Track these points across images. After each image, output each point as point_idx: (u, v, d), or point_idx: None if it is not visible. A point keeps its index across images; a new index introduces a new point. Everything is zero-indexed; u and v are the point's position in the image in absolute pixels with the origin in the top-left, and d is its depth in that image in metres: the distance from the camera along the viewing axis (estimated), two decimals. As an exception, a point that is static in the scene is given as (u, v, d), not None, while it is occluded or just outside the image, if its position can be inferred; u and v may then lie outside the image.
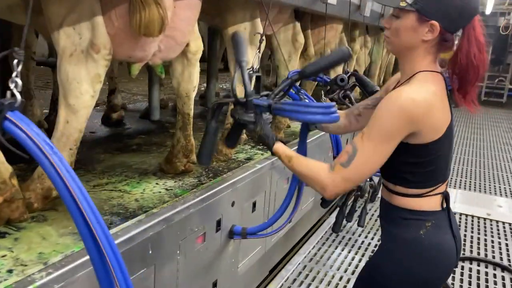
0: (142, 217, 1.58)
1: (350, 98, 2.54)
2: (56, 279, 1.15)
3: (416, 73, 1.36)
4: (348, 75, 2.53)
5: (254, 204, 2.22)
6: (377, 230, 4.29)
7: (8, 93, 0.83)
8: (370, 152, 1.31)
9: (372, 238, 4.10)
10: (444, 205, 1.47)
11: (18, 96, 0.84)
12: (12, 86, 0.82)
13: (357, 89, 2.75)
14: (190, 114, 2.10)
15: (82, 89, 1.60)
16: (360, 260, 3.68)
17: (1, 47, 2.85)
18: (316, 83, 3.43)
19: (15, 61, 0.82)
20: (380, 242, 1.60)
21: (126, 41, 1.62)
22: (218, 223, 1.89)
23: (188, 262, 1.71)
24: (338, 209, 3.46)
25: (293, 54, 2.95)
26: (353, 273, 3.48)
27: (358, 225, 4.15)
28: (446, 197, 1.48)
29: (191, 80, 2.00)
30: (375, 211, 4.77)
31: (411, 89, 1.32)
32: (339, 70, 3.43)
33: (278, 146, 1.46)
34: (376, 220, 4.51)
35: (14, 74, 0.82)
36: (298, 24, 2.99)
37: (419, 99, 1.29)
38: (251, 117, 1.45)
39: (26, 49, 2.66)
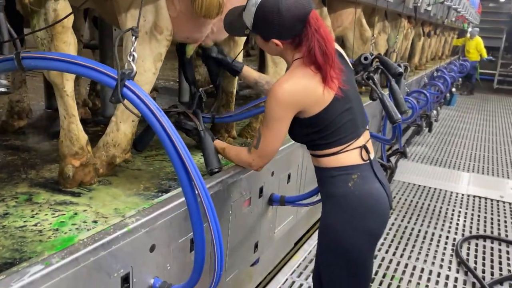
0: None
1: (373, 80, 2.69)
2: (142, 225, 1.35)
3: (292, 63, 1.64)
4: (372, 57, 2.68)
5: (289, 176, 2.41)
6: (393, 210, 4.47)
7: (126, 65, 1.01)
8: (269, 134, 1.64)
9: (389, 217, 4.28)
10: (366, 157, 1.68)
11: (134, 67, 1.01)
12: (130, 59, 1.00)
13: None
14: (233, 92, 2.28)
15: (146, 66, 1.78)
16: (378, 236, 3.87)
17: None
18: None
19: (133, 37, 0.99)
20: (322, 207, 1.80)
21: (186, 23, 1.79)
22: (261, 190, 2.09)
23: (237, 221, 1.91)
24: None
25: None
26: (372, 247, 3.67)
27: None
28: (366, 150, 1.69)
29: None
30: (391, 192, 4.94)
31: (284, 78, 1.59)
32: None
33: (215, 142, 1.89)
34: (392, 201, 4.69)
35: (132, 49, 0.99)
36: (325, 9, 3.13)
37: (291, 86, 1.57)
38: (192, 125, 1.91)
39: (75, 32, 2.86)
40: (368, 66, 2.74)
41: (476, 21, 11.88)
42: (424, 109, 6.22)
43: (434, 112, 6.96)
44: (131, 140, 1.91)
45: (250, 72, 2.09)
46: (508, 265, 3.55)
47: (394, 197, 4.81)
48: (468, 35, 12.08)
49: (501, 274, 3.38)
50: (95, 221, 1.48)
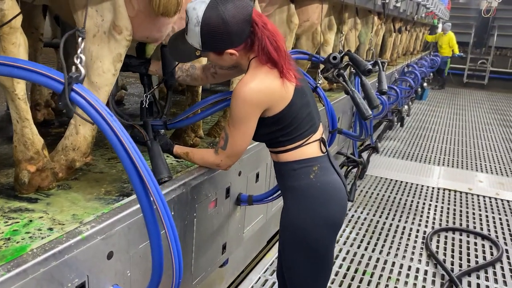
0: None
1: (343, 77, 2.70)
2: (98, 232, 1.31)
3: (249, 63, 1.63)
4: (341, 54, 2.69)
5: (257, 175, 2.39)
6: (366, 205, 4.52)
7: (73, 68, 0.96)
8: (237, 134, 1.64)
9: (361, 212, 4.32)
10: (324, 150, 1.73)
11: (83, 70, 0.97)
12: (77, 61, 0.95)
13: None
14: (198, 91, 2.25)
15: (105, 67, 1.72)
16: (350, 232, 3.90)
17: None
18: (308, 63, 3.58)
19: (79, 39, 0.95)
20: (283, 202, 1.82)
21: (145, 23, 1.74)
22: (228, 190, 2.06)
23: (203, 224, 1.88)
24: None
25: (288, 35, 3.09)
26: (344, 243, 3.71)
27: (348, 200, 4.38)
28: (323, 142, 1.74)
29: (200, 59, 2.13)
30: (364, 187, 5.00)
31: (248, 78, 1.58)
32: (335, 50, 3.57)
33: (176, 149, 1.85)
34: (364, 196, 4.75)
35: (79, 51, 0.95)
36: (292, 6, 3.12)
37: (256, 86, 1.56)
38: (142, 138, 1.82)
39: (34, 31, 2.77)
40: (338, 64, 2.74)
41: (446, 17, 12.12)
42: (396, 104, 6.30)
43: (406, 107, 7.08)
44: (91, 143, 1.85)
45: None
46: (476, 256, 3.63)
47: (367, 192, 4.87)
48: (440, 30, 12.31)
49: (469, 266, 3.46)
50: (50, 229, 1.42)
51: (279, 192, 2.16)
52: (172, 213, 1.66)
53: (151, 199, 1.11)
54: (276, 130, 1.67)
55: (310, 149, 1.70)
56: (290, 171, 1.71)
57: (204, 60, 2.15)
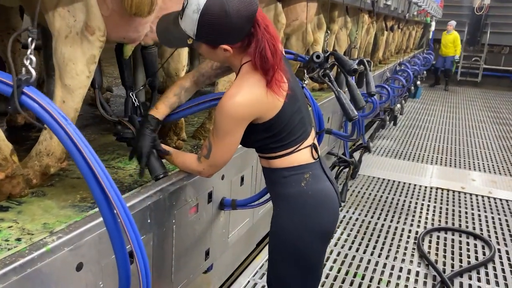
0: (140, 189, 1.67)
1: (329, 77, 2.64)
2: (65, 243, 1.25)
3: (240, 68, 1.54)
4: (327, 54, 2.63)
5: (242, 178, 2.33)
6: (357, 205, 4.47)
7: (24, 70, 0.90)
8: (220, 145, 1.56)
9: (353, 213, 4.28)
10: (316, 156, 1.66)
11: (33, 72, 0.91)
12: (27, 62, 0.89)
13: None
14: (180, 93, 2.18)
15: (78, 69, 1.66)
16: (342, 233, 3.85)
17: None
18: (298, 63, 3.52)
19: (29, 39, 0.89)
20: (273, 209, 1.74)
21: (121, 23, 1.68)
22: (210, 195, 2.01)
23: (183, 230, 1.83)
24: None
25: (276, 35, 3.03)
26: (335, 245, 3.66)
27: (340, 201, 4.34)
28: (315, 148, 1.67)
29: (180, 59, 2.08)
30: (356, 187, 4.95)
31: (234, 90, 1.48)
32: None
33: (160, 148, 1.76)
34: (356, 196, 4.70)
35: (28, 52, 0.89)
36: (279, 5, 3.06)
37: (242, 100, 1.46)
38: (130, 133, 1.77)
39: (11, 32, 2.70)
40: (323, 63, 2.68)
41: (439, 15, 12.09)
42: (388, 103, 6.26)
43: (398, 105, 7.03)
44: (66, 147, 1.79)
45: None
46: (468, 256, 3.60)
47: (359, 192, 4.83)
48: (433, 28, 12.33)
49: (461, 266, 3.42)
50: (18, 239, 1.36)
51: (265, 197, 2.11)
52: (149, 221, 1.62)
53: (113, 206, 1.05)
54: (267, 137, 1.59)
55: (302, 156, 1.63)
56: (281, 178, 1.64)
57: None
